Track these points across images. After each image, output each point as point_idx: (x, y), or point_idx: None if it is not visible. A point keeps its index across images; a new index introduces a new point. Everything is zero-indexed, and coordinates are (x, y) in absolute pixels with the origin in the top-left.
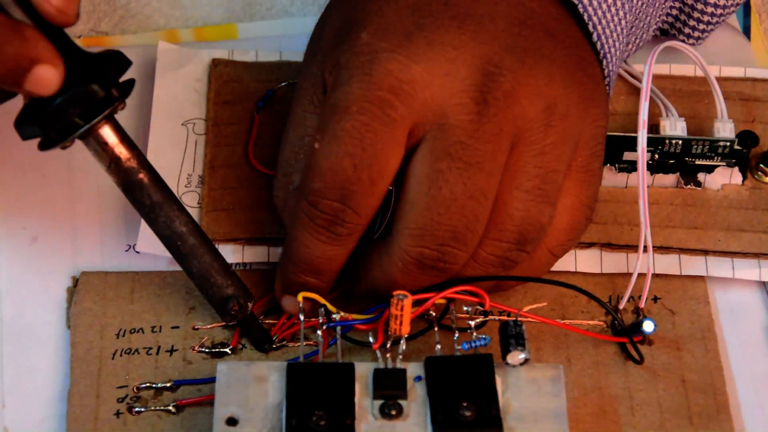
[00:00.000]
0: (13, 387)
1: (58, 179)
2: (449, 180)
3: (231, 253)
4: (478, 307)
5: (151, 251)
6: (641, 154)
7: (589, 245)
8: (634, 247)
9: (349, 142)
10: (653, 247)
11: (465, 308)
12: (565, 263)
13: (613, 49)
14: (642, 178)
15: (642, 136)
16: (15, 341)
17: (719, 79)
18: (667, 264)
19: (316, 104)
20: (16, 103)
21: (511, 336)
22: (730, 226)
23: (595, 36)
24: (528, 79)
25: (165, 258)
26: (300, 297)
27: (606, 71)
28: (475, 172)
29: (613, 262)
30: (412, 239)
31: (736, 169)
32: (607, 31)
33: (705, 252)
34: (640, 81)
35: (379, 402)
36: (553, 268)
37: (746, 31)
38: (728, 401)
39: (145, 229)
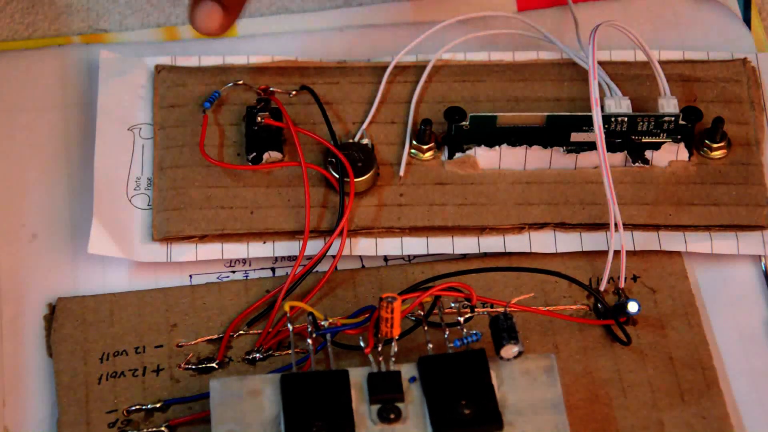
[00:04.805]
0: (13, 387)
1: (58, 176)
2: None
3: (184, 252)
4: (465, 301)
5: (102, 253)
6: (598, 132)
7: (543, 225)
8: (587, 226)
9: None
10: (625, 225)
11: (452, 304)
12: (546, 245)
13: None
14: (602, 154)
15: (597, 114)
16: (15, 340)
17: (660, 63)
18: (642, 241)
19: None
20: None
21: (503, 330)
22: (681, 201)
23: None
24: None
25: (143, 279)
26: (287, 306)
27: None
28: None
29: (591, 243)
30: None
31: (682, 145)
32: None
33: (657, 227)
34: (584, 62)
35: (376, 407)
36: (533, 251)
37: (746, 23)
38: (717, 375)
39: (97, 229)
